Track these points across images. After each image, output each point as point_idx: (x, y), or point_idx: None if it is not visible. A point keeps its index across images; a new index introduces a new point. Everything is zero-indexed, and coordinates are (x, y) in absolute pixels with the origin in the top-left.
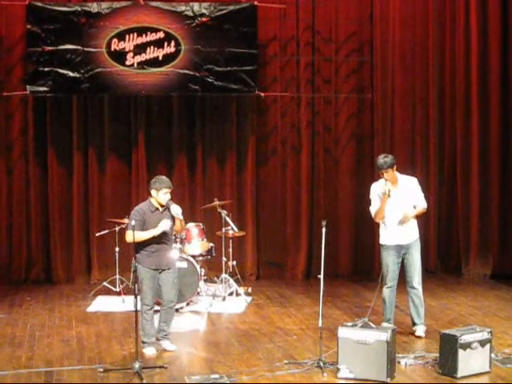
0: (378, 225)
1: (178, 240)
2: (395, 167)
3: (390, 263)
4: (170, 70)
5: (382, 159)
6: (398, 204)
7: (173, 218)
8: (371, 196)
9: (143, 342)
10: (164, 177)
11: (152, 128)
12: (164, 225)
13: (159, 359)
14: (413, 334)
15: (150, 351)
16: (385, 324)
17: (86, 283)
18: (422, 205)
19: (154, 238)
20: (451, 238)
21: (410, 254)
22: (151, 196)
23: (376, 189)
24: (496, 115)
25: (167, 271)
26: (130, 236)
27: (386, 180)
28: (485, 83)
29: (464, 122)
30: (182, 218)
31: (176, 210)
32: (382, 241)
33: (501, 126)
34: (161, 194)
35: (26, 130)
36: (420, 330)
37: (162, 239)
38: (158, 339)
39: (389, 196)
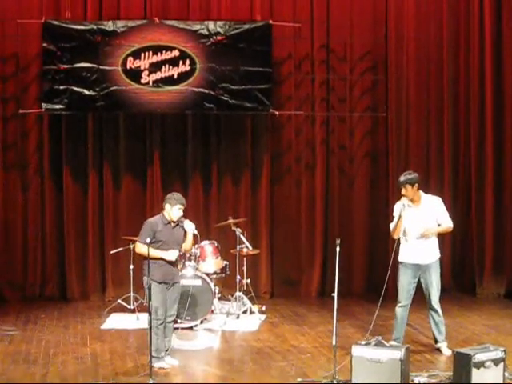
0: (392, 242)
1: (192, 258)
2: (417, 185)
3: (405, 282)
4: (184, 89)
5: (403, 176)
6: (420, 222)
7: (184, 234)
8: (394, 213)
9: (153, 357)
10: (179, 194)
11: (167, 146)
12: (173, 255)
13: (174, 377)
14: (430, 351)
15: (162, 364)
16: (392, 343)
17: (100, 300)
18: (446, 224)
19: (165, 250)
20: (465, 256)
21: (428, 275)
22: (164, 209)
23: (396, 206)
24: (510, 131)
25: (172, 287)
26: (139, 248)
27: (403, 195)
28: (499, 100)
29: (478, 140)
30: (196, 232)
31: (190, 225)
32: (400, 258)
33: None
34: (174, 210)
35: (41, 147)
36: (444, 348)
37: None
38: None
39: (403, 211)
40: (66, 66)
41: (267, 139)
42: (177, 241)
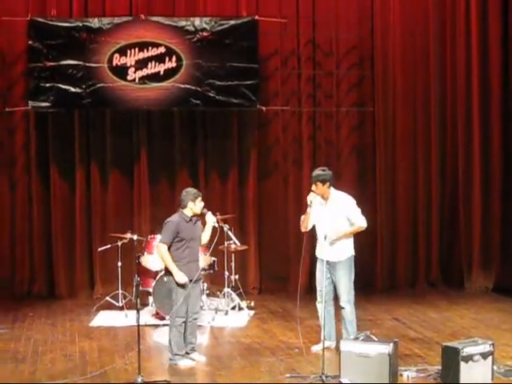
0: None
1: None
2: (328, 184)
3: (318, 278)
4: (171, 85)
5: (316, 171)
6: (327, 220)
7: (201, 229)
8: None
9: (176, 355)
10: (191, 188)
11: (154, 143)
12: (183, 278)
13: (162, 373)
14: (419, 345)
15: (186, 362)
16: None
17: (88, 298)
18: (359, 223)
19: (188, 248)
20: (453, 251)
21: (337, 273)
22: (183, 208)
23: (308, 198)
24: (497, 125)
25: (195, 284)
26: (160, 249)
27: (312, 191)
28: (486, 93)
29: (465, 133)
30: (216, 225)
31: (212, 218)
32: (316, 253)
33: (502, 135)
34: (198, 204)
35: (28, 145)
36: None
37: (195, 249)
38: (186, 352)
39: (309, 206)
40: (51, 64)
41: (254, 135)
42: (198, 237)
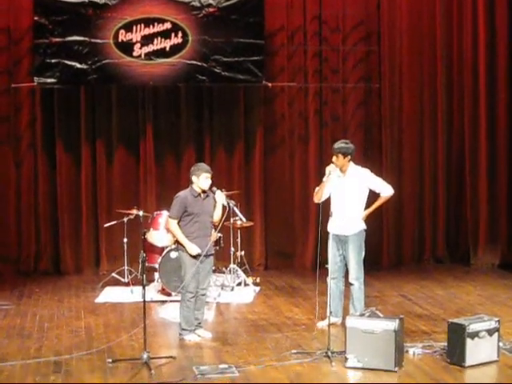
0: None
1: None
2: (349, 157)
3: (331, 254)
4: (177, 61)
5: (338, 143)
6: (344, 193)
7: (214, 205)
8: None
9: (184, 330)
10: (202, 163)
11: (160, 119)
12: (195, 250)
13: (168, 349)
14: (425, 322)
15: (192, 337)
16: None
17: (94, 274)
18: (386, 191)
19: (197, 222)
20: (460, 227)
21: (347, 248)
22: (192, 183)
23: (326, 170)
24: (504, 99)
25: (206, 259)
26: (170, 224)
27: (332, 162)
28: (492, 70)
29: (472, 109)
30: (226, 203)
31: (221, 196)
32: (328, 228)
33: (508, 112)
34: (202, 180)
35: (33, 121)
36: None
37: (205, 224)
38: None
39: (327, 176)
40: (57, 40)
41: (260, 111)
42: (208, 212)
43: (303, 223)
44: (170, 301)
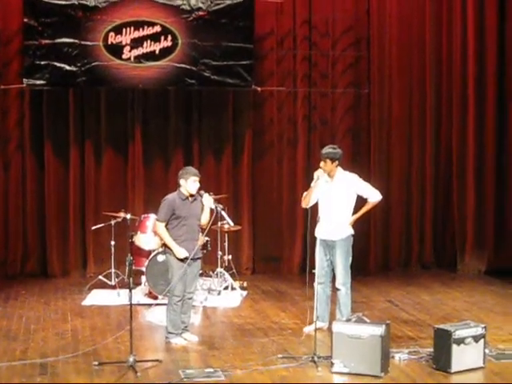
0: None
1: None
2: (337, 162)
3: (318, 258)
4: (166, 64)
5: (326, 148)
6: (331, 198)
7: (202, 208)
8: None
9: (170, 333)
10: (191, 167)
11: (148, 122)
12: (183, 254)
13: (154, 352)
14: (411, 328)
15: (179, 341)
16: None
17: (81, 277)
18: (374, 197)
19: (184, 226)
20: (447, 233)
21: (334, 253)
22: (180, 186)
23: (315, 174)
24: (492, 107)
25: (193, 263)
26: (158, 227)
27: (320, 167)
28: (481, 75)
29: (460, 115)
30: (213, 207)
31: (208, 200)
32: (315, 233)
33: (496, 118)
34: (190, 183)
35: (22, 123)
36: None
37: (193, 227)
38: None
39: (315, 181)
40: (47, 42)
41: (249, 115)
42: (196, 216)
43: (291, 228)
44: (157, 304)
